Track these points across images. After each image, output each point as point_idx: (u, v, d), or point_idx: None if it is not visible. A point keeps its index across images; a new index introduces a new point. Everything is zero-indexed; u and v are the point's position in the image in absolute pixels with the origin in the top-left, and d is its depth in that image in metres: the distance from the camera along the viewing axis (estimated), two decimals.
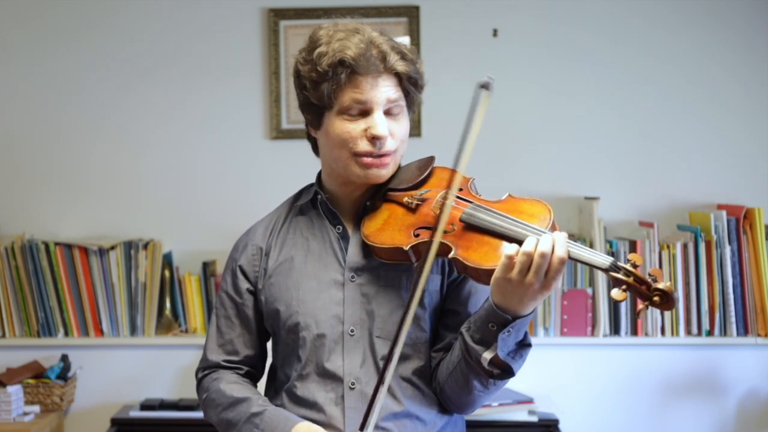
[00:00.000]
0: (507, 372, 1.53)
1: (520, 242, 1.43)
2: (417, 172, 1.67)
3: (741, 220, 3.09)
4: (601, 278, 3.11)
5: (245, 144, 3.31)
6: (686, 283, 3.11)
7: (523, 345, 1.52)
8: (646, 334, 3.14)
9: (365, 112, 1.60)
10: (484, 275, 1.47)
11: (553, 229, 1.47)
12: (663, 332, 3.13)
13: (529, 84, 3.28)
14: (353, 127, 1.60)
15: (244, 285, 1.72)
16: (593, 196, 3.21)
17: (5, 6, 3.31)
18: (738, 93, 3.27)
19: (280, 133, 3.29)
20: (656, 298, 1.38)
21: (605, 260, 1.41)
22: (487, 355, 1.49)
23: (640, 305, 1.40)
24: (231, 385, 1.71)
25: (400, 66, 1.60)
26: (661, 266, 3.11)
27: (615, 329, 3.14)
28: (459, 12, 3.28)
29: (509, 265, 1.41)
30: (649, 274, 1.39)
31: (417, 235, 1.55)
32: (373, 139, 1.59)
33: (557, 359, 3.17)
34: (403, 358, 1.61)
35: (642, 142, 3.28)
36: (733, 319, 3.09)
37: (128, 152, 3.32)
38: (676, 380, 3.17)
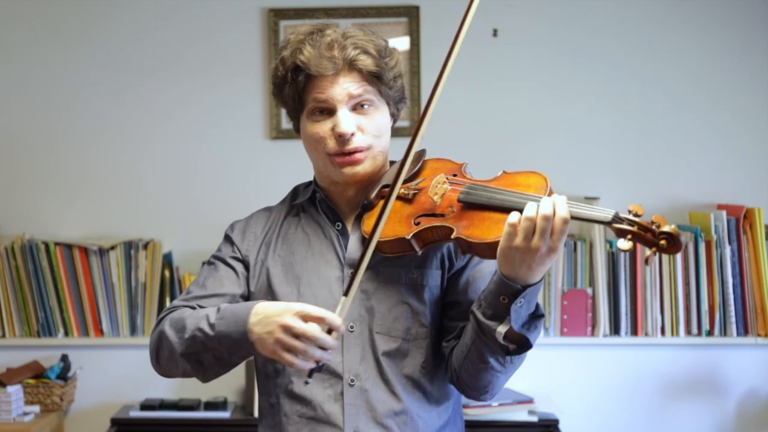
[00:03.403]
0: (522, 346, 1.52)
1: (520, 211, 1.43)
2: (410, 166, 1.68)
3: (741, 220, 3.09)
4: (601, 278, 3.10)
5: (245, 144, 3.31)
6: (686, 283, 3.11)
7: (536, 316, 1.51)
8: (646, 334, 3.13)
9: (331, 111, 1.62)
10: (488, 249, 1.48)
11: (550, 195, 1.48)
12: (663, 332, 3.13)
13: (529, 84, 3.28)
14: (321, 128, 1.63)
15: (238, 255, 1.73)
16: (593, 196, 3.21)
17: (5, 6, 3.31)
18: (738, 93, 3.27)
19: (280, 133, 3.29)
20: (663, 242, 1.37)
21: (607, 214, 1.42)
22: (502, 329, 1.48)
23: (648, 252, 1.39)
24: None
25: (361, 61, 1.61)
26: (661, 266, 3.11)
27: (615, 329, 3.14)
28: (459, 12, 3.22)
29: (513, 233, 1.42)
30: (652, 221, 1.39)
31: (418, 224, 1.56)
32: (340, 137, 1.60)
33: (557, 359, 3.17)
34: (403, 354, 1.62)
35: (642, 141, 3.28)
36: (733, 319, 3.09)
37: (128, 152, 3.32)
38: (676, 380, 3.17)
